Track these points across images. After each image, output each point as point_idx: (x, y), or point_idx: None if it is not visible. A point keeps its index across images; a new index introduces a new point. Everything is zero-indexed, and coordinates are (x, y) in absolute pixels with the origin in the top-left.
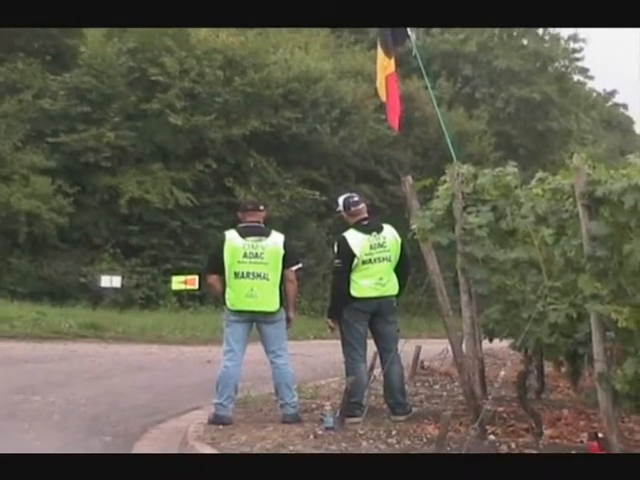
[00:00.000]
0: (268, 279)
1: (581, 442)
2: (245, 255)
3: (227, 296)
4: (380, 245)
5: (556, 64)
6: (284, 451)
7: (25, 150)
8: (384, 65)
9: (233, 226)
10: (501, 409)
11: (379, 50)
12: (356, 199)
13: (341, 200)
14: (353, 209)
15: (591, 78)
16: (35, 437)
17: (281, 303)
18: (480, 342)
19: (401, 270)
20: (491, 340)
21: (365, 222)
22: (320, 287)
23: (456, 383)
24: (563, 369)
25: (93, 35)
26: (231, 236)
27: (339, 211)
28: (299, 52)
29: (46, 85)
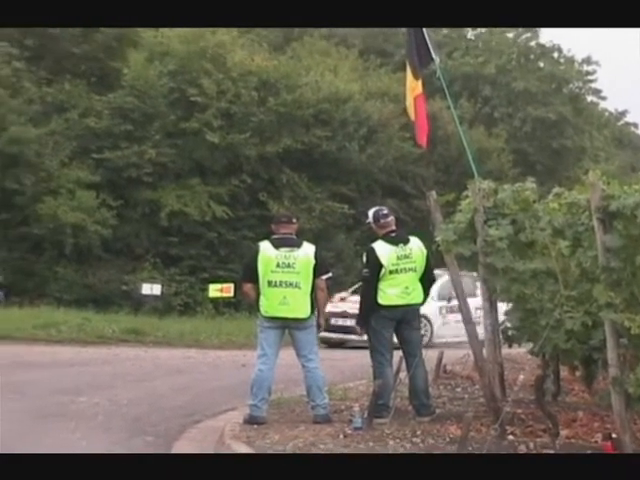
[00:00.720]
0: (300, 287)
1: (595, 442)
2: (278, 265)
3: (261, 303)
4: (406, 256)
5: (570, 85)
6: (315, 450)
7: (71, 166)
8: (412, 86)
9: (267, 237)
10: (520, 411)
11: (408, 72)
12: (385, 212)
13: (371, 213)
14: (382, 221)
15: (604, 99)
16: (81, 436)
17: (312, 310)
18: (499, 347)
19: (426, 280)
20: (510, 346)
21: (393, 234)
22: None
23: (477, 386)
24: (578, 373)
25: (136, 58)
26: (265, 247)
27: (369, 223)
28: (329, 75)
29: (91, 105)
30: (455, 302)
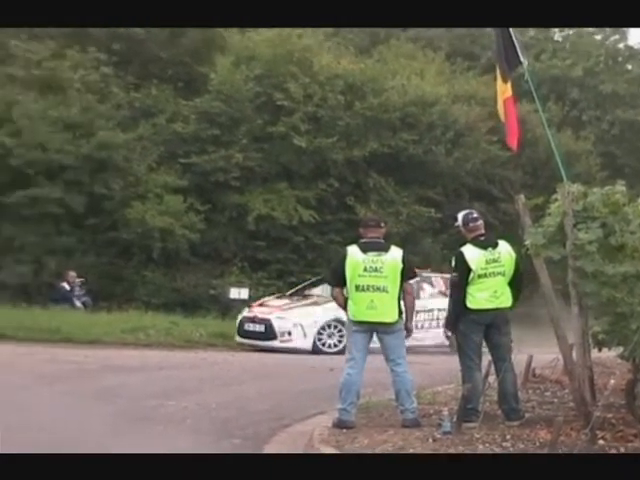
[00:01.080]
0: (387, 292)
1: None
2: (365, 269)
3: (349, 308)
4: (495, 260)
5: None
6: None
7: (159, 170)
8: (502, 89)
9: (354, 242)
10: (610, 415)
11: (497, 75)
12: (475, 215)
13: (461, 216)
14: (472, 225)
15: None
16: (170, 439)
17: (400, 314)
18: (589, 351)
19: (515, 284)
20: (600, 350)
21: (482, 238)
22: None
23: (566, 390)
24: None
25: (222, 63)
26: (352, 251)
27: (457, 226)
28: (415, 78)
29: (178, 110)
30: None
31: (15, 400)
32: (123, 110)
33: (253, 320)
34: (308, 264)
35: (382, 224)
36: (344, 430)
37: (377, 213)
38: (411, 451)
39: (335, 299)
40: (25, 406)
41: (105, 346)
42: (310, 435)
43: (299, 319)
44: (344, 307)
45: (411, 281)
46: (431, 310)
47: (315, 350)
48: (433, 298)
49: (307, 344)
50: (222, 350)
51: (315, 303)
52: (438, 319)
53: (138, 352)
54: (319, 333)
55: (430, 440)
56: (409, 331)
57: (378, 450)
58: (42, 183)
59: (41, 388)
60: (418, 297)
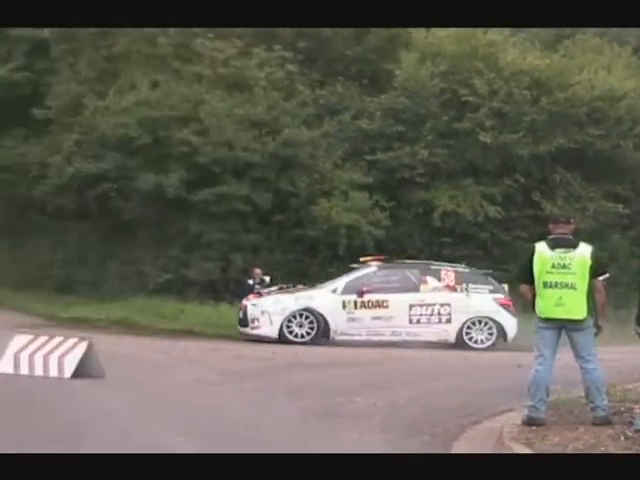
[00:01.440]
0: (576, 288)
1: None
2: (553, 266)
3: (537, 304)
4: None
5: None
6: (596, 452)
7: (344, 167)
8: None
9: (541, 238)
10: None
11: None
12: None
13: None
14: None
15: None
16: (359, 436)
17: (589, 311)
18: None
19: None
20: None
21: None
22: (623, 296)
23: None
24: None
25: (407, 59)
26: (540, 248)
27: None
28: (602, 72)
29: (363, 106)
30: (370, 296)
31: (207, 397)
32: (308, 107)
33: (241, 307)
34: (495, 260)
35: (572, 220)
36: (534, 427)
37: (564, 209)
38: (602, 449)
39: (523, 295)
40: (217, 403)
41: (293, 342)
42: (499, 432)
43: (267, 306)
44: (532, 304)
45: (600, 278)
46: (432, 305)
47: (282, 339)
48: (436, 292)
49: (273, 332)
50: (408, 347)
51: (289, 292)
52: (440, 314)
53: (325, 348)
54: (288, 321)
55: (622, 438)
56: (599, 328)
57: (569, 448)
58: (229, 181)
59: (231, 385)
60: (417, 290)
